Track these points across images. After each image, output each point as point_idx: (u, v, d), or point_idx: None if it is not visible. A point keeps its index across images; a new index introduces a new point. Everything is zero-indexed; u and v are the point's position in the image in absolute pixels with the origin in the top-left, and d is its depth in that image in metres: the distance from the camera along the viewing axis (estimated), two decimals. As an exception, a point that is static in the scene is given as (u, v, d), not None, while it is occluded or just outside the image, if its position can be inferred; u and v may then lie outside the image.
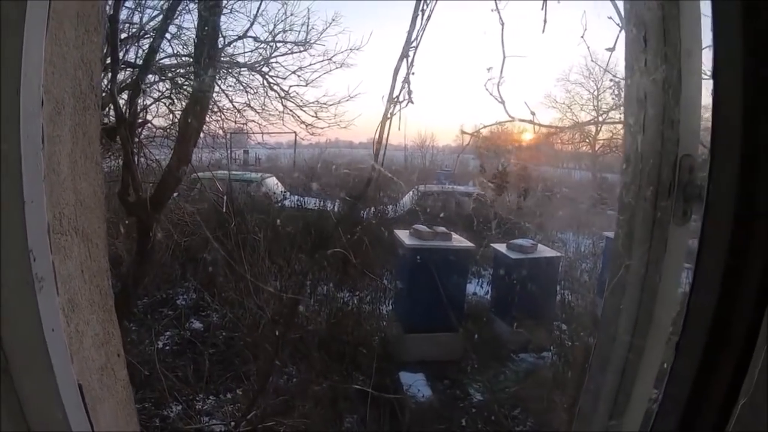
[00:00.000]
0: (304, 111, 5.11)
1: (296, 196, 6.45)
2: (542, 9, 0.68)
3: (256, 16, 4.39)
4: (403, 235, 3.92)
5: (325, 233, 4.28)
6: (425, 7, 1.76)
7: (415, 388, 3.22)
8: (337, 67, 5.25)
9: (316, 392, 2.93)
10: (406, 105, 1.82)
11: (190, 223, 4.01)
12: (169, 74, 4.08)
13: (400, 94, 1.78)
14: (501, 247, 4.23)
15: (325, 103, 5.22)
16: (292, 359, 3.28)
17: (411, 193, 6.05)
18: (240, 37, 4.43)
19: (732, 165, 0.47)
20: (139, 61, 3.52)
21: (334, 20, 5.23)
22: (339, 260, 4.13)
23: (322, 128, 5.32)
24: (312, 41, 4.99)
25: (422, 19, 1.81)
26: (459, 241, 3.89)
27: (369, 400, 2.78)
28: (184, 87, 4.01)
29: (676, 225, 0.58)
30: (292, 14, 4.85)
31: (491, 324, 4.15)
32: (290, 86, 5.01)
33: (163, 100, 4.16)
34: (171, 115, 4.24)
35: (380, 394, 2.82)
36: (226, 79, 4.65)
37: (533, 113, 0.69)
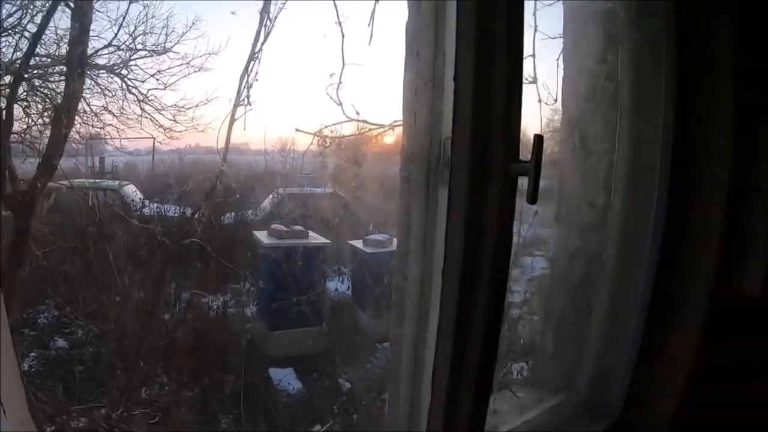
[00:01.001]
0: (162, 114, 4.99)
1: (155, 204, 6.18)
2: (369, 26, 0.83)
3: (124, 17, 4.17)
4: (262, 236, 4.00)
5: (184, 240, 4.21)
6: (268, 21, 1.88)
7: (285, 382, 3.34)
8: (195, 71, 5.19)
9: (189, 398, 2.92)
10: (246, 109, 1.92)
11: (48, 234, 3.69)
12: (26, 75, 3.69)
13: (243, 98, 1.87)
14: (358, 243, 4.47)
15: (183, 107, 5.13)
16: (163, 367, 3.21)
17: (271, 196, 6.13)
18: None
19: (465, 142, 0.68)
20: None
21: (194, 24, 5.16)
22: (201, 265, 4.07)
23: (180, 132, 5.23)
24: (171, 45, 4.88)
25: (266, 27, 1.93)
26: (315, 238, 4.06)
27: (242, 399, 2.84)
28: (41, 89, 3.67)
29: (443, 188, 0.78)
30: (153, 17, 4.68)
31: (353, 317, 4.37)
32: (149, 89, 4.86)
33: (18, 102, 3.76)
34: (28, 119, 3.83)
35: (252, 392, 2.89)
36: (83, 81, 4.36)
37: (358, 113, 0.83)
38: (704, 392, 1.45)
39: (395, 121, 0.81)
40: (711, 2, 1.34)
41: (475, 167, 0.69)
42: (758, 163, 1.41)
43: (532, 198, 0.70)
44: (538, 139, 0.71)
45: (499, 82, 0.70)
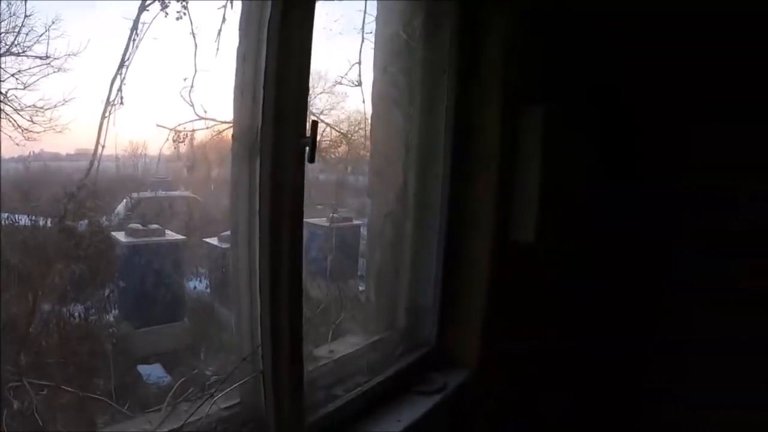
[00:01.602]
0: (21, 115, 4.62)
1: (6, 214, 5.59)
2: (216, 41, 1.04)
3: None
4: (120, 236, 3.96)
5: (40, 249, 4.00)
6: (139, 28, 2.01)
7: (154, 376, 3.37)
8: (54, 72, 4.89)
9: (64, 404, 2.85)
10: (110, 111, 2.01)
11: None
12: None
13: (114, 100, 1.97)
14: (213, 240, 4.57)
15: (41, 108, 4.81)
16: (37, 377, 3.07)
17: (125, 201, 5.93)
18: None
19: (269, 125, 0.99)
20: None
21: (54, 23, 4.80)
22: (60, 274, 3.89)
23: (38, 133, 4.90)
24: (31, 44, 4.52)
25: (136, 33, 2.05)
26: (172, 235, 4.11)
27: (115, 398, 2.86)
28: None
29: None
30: (14, 15, 4.28)
31: (212, 311, 4.47)
32: (8, 89, 4.45)
33: None
34: None
35: (123, 390, 2.92)
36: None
37: (206, 111, 1.01)
38: (495, 323, 1.93)
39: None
40: (483, 31, 1.81)
41: (276, 142, 1.01)
42: (522, 147, 1.93)
43: (311, 158, 1.05)
44: (314, 123, 1.06)
45: (292, 85, 1.02)
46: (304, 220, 1.18)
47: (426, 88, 1.77)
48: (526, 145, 1.94)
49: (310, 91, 1.15)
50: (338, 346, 1.60)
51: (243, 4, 1.00)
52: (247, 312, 1.15)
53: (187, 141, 1.08)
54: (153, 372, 3.59)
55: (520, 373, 2.23)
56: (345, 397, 1.40)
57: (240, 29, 1.02)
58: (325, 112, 1.45)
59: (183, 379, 1.10)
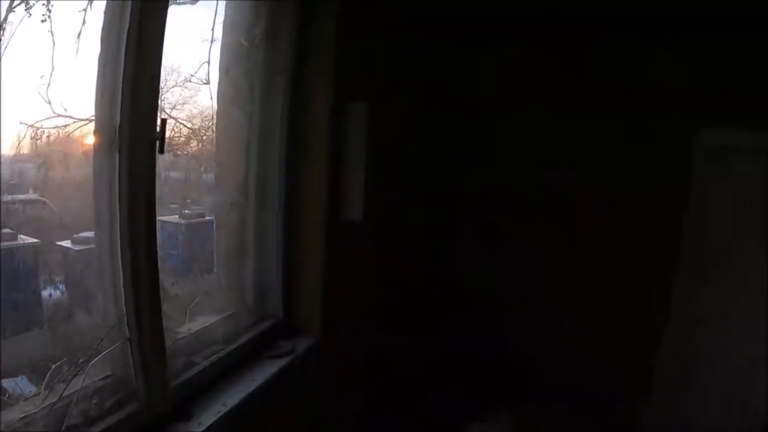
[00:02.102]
0: None
1: None
2: (76, 42, 1.10)
3: None
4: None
5: None
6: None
7: (18, 389, 3.06)
8: None
9: None
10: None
11: None
12: None
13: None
14: (67, 243, 4.20)
15: None
16: None
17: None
18: None
19: (125, 123, 1.16)
20: None
21: None
22: None
23: None
24: None
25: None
26: (24, 239, 3.71)
27: None
28: None
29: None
30: None
31: (72, 317, 4.13)
32: None
33: None
34: None
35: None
36: None
37: (65, 109, 1.04)
38: (333, 294, 2.23)
39: (91, 115, 1.13)
40: (315, 37, 2.07)
41: (132, 138, 1.17)
42: (349, 138, 2.23)
43: (161, 150, 1.26)
44: (164, 121, 1.28)
45: (146, 88, 1.19)
46: (160, 218, 1.35)
47: (264, 88, 1.99)
48: (353, 137, 2.24)
49: (164, 85, 1.32)
50: (195, 325, 1.75)
51: (104, 14, 1.13)
52: (111, 293, 1.28)
53: (43, 139, 1.16)
54: (18, 384, 3.23)
55: (359, 337, 2.58)
56: (203, 364, 1.59)
57: (102, 38, 1.15)
58: (178, 106, 1.58)
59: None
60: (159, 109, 1.26)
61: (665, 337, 2.98)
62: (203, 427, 1.39)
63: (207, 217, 1.95)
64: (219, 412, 1.47)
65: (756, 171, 2.80)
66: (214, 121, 1.81)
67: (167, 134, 1.32)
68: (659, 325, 2.99)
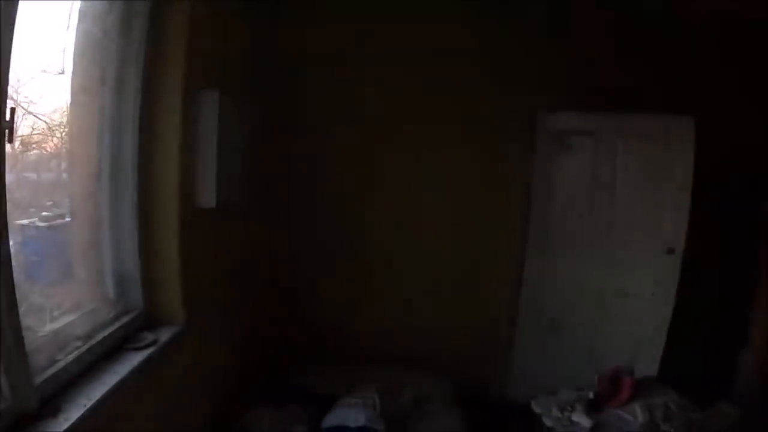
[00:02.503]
0: None
1: None
2: None
3: None
4: None
5: None
6: None
7: None
8: None
9: None
10: None
11: None
12: None
13: None
14: None
15: None
16: None
17: None
18: None
19: None
20: None
21: None
22: None
23: None
24: None
25: None
26: None
27: None
28: None
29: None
30: None
31: None
32: None
33: None
34: None
35: None
36: None
37: None
38: (193, 281, 2.28)
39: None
40: (168, 28, 2.07)
41: None
42: (199, 122, 2.26)
43: (10, 140, 1.27)
44: (12, 109, 1.27)
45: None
46: (19, 222, 1.33)
47: (117, 77, 1.97)
48: (205, 125, 2.29)
49: (18, 78, 1.30)
50: (56, 323, 1.72)
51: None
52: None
53: None
54: None
55: (226, 324, 2.66)
56: (66, 360, 1.58)
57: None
58: (36, 100, 1.53)
59: None
60: (8, 97, 1.24)
61: (521, 299, 3.59)
62: (70, 422, 1.41)
63: (67, 218, 1.90)
64: (84, 405, 1.50)
65: (587, 148, 3.49)
66: (68, 111, 1.76)
67: (24, 131, 1.31)
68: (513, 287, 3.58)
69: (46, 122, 1.54)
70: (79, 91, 1.78)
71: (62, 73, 1.63)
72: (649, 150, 3.38)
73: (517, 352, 3.70)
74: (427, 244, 3.61)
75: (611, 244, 3.51)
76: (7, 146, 1.28)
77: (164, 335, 2.10)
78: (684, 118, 3.21)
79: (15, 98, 1.29)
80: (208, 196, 2.30)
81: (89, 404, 1.51)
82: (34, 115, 1.48)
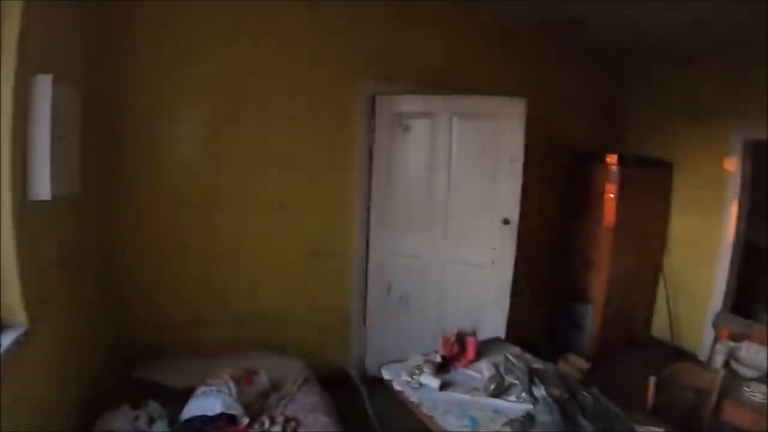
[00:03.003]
0: None
1: None
2: None
3: None
4: None
5: None
6: None
7: None
8: None
9: None
10: None
11: None
12: None
13: None
14: None
15: None
16: None
17: None
18: None
19: None
20: None
21: None
22: None
23: None
24: None
25: None
26: None
27: None
28: None
29: None
30: None
31: None
32: None
33: None
34: None
35: None
36: None
37: None
38: (39, 283, 2.10)
39: None
40: None
41: None
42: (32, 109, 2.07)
43: None
44: None
45: None
46: None
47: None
48: (37, 113, 2.12)
49: None
50: None
51: None
52: None
53: None
54: None
55: (71, 321, 2.47)
56: None
57: None
58: None
59: None
60: None
61: (370, 277, 3.89)
62: None
63: None
64: None
65: (426, 128, 3.83)
66: None
67: None
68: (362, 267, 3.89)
69: None
70: None
71: None
72: (484, 129, 3.72)
73: (370, 328, 4.01)
74: (274, 228, 3.67)
75: (451, 218, 3.85)
76: None
77: (8, 338, 1.94)
78: (516, 100, 3.63)
79: None
80: (42, 188, 2.12)
81: None
82: None
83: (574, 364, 4.42)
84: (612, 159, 4.82)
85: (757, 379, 2.94)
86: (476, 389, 2.40)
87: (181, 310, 3.40)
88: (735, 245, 5.04)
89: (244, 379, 2.76)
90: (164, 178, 3.26)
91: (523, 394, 2.29)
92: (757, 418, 2.61)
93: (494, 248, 3.78)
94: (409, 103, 3.85)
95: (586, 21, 4.63)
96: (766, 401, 2.70)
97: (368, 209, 3.98)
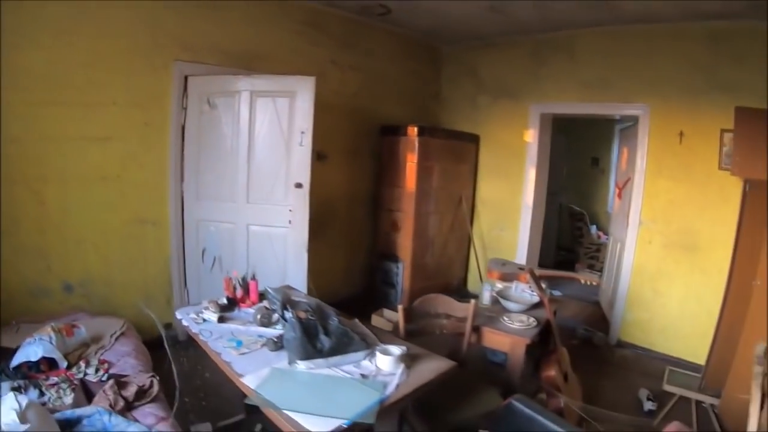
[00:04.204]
0: None
1: None
2: None
3: None
4: None
5: None
6: None
7: None
8: None
9: None
10: None
11: None
12: None
13: None
14: None
15: None
16: None
17: None
18: None
19: None
20: None
21: None
22: None
23: None
24: None
25: None
26: None
27: None
28: None
29: None
30: None
31: None
32: None
33: None
34: None
35: None
36: None
37: None
38: None
39: None
40: None
41: None
42: None
43: None
44: None
45: None
46: None
47: None
48: None
49: None
50: None
51: None
52: None
53: None
54: None
55: None
56: None
57: None
58: None
59: None
60: None
61: (186, 243, 4.23)
62: None
63: None
64: None
65: (229, 106, 4.23)
66: None
67: None
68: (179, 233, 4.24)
69: None
70: None
71: None
72: (280, 105, 4.16)
73: (190, 290, 4.42)
74: (98, 200, 3.91)
75: (253, 186, 4.27)
76: None
77: None
78: (307, 78, 4.09)
79: None
80: None
81: None
82: None
83: (389, 318, 5.16)
84: (412, 130, 5.45)
85: (523, 312, 3.55)
86: (251, 322, 2.86)
87: (17, 281, 3.56)
88: (534, 206, 5.96)
89: (66, 330, 3.05)
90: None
91: (280, 319, 2.71)
92: (511, 340, 3.20)
93: (290, 210, 4.22)
94: (216, 82, 4.22)
95: (393, 10, 5.22)
96: (520, 327, 3.25)
97: (182, 181, 4.33)
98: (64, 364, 2.81)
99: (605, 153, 8.69)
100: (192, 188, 4.34)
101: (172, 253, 4.36)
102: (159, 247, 4.30)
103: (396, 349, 2.42)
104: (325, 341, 2.40)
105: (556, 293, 6.35)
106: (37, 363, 2.75)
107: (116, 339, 3.27)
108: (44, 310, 3.57)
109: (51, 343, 2.85)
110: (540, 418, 2.21)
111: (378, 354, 2.39)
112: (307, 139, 4.12)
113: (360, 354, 2.45)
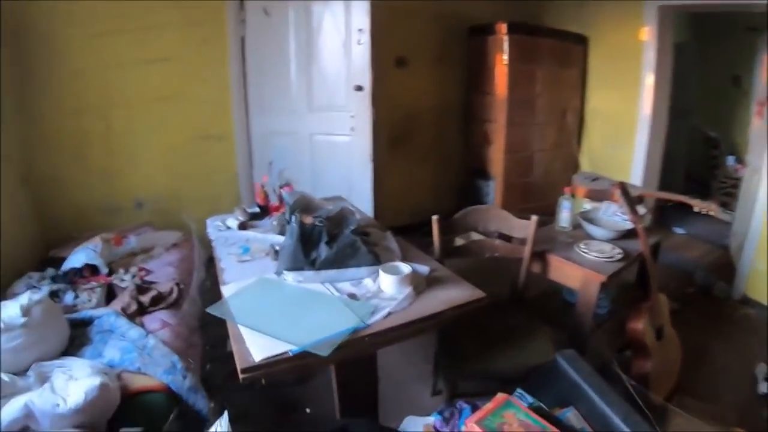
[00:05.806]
0: None
1: None
2: None
3: None
4: None
5: None
6: None
7: None
8: None
9: None
10: None
11: None
12: None
13: None
14: None
15: None
16: None
17: None
18: None
19: None
20: None
21: None
22: None
23: None
24: None
25: None
26: None
27: None
28: None
29: None
30: None
31: None
32: None
33: None
34: None
35: None
36: None
37: None
38: None
39: None
40: None
41: None
42: None
43: None
44: None
45: None
46: None
47: None
48: None
49: None
50: None
51: None
52: None
53: None
54: None
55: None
56: None
57: None
58: None
59: None
60: None
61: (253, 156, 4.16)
62: None
63: None
64: None
65: (284, 14, 3.94)
66: None
67: None
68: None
69: None
70: None
71: None
72: (334, 7, 3.82)
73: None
74: (162, 119, 3.96)
75: (314, 92, 4.05)
76: None
77: None
78: None
79: None
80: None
81: None
82: None
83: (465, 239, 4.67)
84: (502, 27, 4.53)
85: (609, 241, 2.77)
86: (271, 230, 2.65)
87: (91, 200, 3.85)
88: (653, 119, 4.93)
89: (115, 240, 3.25)
90: (65, 87, 3.60)
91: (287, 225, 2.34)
92: (583, 274, 2.49)
93: (352, 116, 3.95)
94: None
95: None
96: (597, 258, 2.56)
97: (246, 94, 4.21)
98: (105, 270, 2.94)
99: (748, 71, 6.82)
100: (257, 101, 4.22)
101: (239, 167, 4.33)
102: (226, 161, 4.32)
103: (405, 268, 1.99)
104: (322, 251, 2.06)
105: (679, 231, 5.25)
106: (80, 269, 2.90)
107: (167, 250, 3.34)
108: (116, 226, 3.74)
109: (95, 251, 3.00)
110: (585, 387, 1.63)
111: (381, 272, 1.97)
112: (366, 37, 3.73)
113: (362, 270, 2.07)
